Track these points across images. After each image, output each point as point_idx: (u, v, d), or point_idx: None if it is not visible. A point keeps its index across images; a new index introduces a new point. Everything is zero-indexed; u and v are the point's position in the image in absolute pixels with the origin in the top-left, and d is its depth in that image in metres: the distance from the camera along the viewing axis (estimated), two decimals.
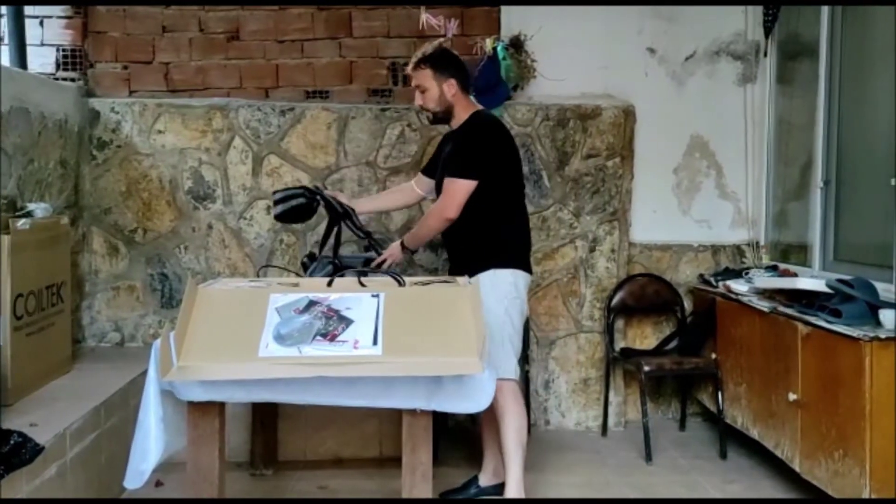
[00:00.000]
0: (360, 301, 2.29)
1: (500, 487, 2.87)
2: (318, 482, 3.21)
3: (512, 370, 2.81)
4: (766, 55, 4.02)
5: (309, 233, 3.86)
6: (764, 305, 3.22)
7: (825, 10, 3.43)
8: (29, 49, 3.68)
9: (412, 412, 2.19)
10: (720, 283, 3.71)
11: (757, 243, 4.05)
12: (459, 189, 2.80)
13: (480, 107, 3.04)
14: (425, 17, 3.70)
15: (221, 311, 2.27)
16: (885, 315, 2.62)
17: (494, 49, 3.74)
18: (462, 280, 2.53)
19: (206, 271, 3.83)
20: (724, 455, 3.53)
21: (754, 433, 3.32)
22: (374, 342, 2.16)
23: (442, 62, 2.90)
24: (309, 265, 3.05)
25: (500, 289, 2.81)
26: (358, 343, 2.16)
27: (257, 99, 3.91)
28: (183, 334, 2.17)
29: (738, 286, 3.53)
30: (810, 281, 3.06)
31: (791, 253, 3.86)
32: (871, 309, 2.69)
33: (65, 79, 3.81)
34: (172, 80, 3.93)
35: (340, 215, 3.01)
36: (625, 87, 4.00)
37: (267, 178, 3.86)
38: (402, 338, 2.18)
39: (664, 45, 4.04)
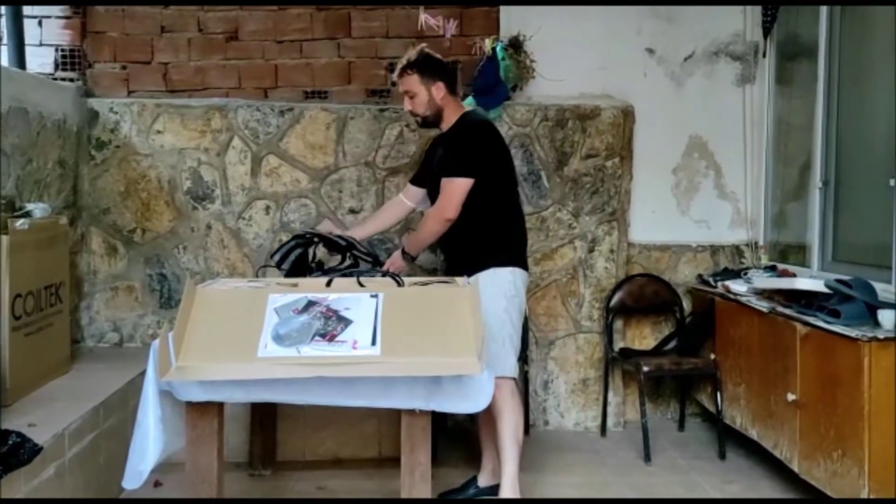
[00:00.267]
0: (358, 301, 2.29)
1: (500, 488, 2.87)
2: (316, 482, 3.21)
3: (511, 368, 2.82)
4: (764, 56, 4.03)
5: None
6: (763, 306, 3.22)
7: (824, 10, 3.44)
8: (28, 49, 3.67)
9: (411, 412, 2.19)
10: (719, 284, 3.71)
11: (756, 243, 4.05)
12: (457, 188, 2.81)
13: (469, 108, 3.05)
14: (424, 17, 3.70)
15: (220, 312, 2.27)
16: (884, 315, 2.62)
17: (493, 49, 3.74)
18: (461, 280, 2.53)
19: (205, 271, 3.83)
20: (722, 455, 3.53)
21: (753, 433, 3.32)
22: (373, 342, 2.16)
23: (427, 66, 2.91)
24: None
25: (500, 287, 2.81)
26: (357, 343, 2.16)
27: (256, 99, 3.91)
28: (182, 334, 2.17)
29: (737, 286, 3.53)
30: (809, 281, 3.06)
31: (790, 253, 3.86)
32: (870, 309, 2.69)
33: (63, 79, 3.80)
34: (171, 81, 3.93)
35: (345, 248, 2.92)
36: (624, 87, 4.00)
37: (266, 178, 3.86)
38: (400, 338, 2.18)
39: (663, 46, 4.04)
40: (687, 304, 4.02)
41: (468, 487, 3.06)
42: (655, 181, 4.06)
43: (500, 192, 2.90)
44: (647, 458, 3.47)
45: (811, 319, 2.83)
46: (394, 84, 3.01)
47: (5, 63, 3.52)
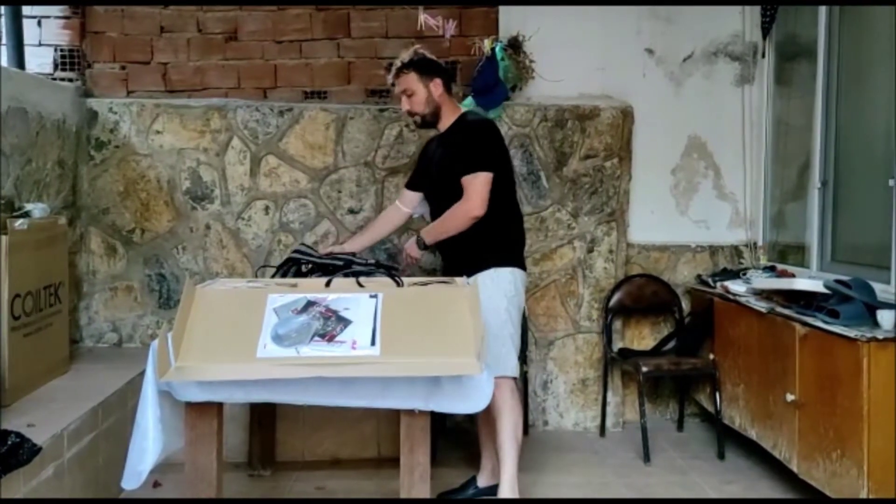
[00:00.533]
0: (358, 301, 2.30)
1: (498, 488, 2.87)
2: (315, 483, 3.21)
3: (512, 368, 2.82)
4: (763, 56, 4.03)
5: (307, 233, 3.86)
6: (762, 306, 3.22)
7: (823, 10, 3.44)
8: (27, 49, 3.67)
9: (410, 412, 2.20)
10: (718, 284, 3.72)
11: (755, 244, 4.05)
12: (481, 184, 2.80)
13: (465, 109, 3.06)
14: (423, 17, 3.70)
15: (219, 312, 2.28)
16: (883, 316, 2.62)
17: (493, 50, 3.74)
18: (460, 280, 2.53)
19: (204, 272, 3.83)
20: (721, 455, 3.53)
21: (752, 434, 3.32)
22: (373, 343, 2.16)
23: (424, 64, 2.92)
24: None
25: (501, 287, 2.82)
26: (356, 343, 2.17)
27: (255, 99, 3.91)
28: (181, 335, 2.17)
29: (736, 287, 3.53)
30: (808, 282, 3.06)
31: (789, 253, 3.87)
32: (869, 309, 2.69)
33: (63, 79, 3.80)
34: (170, 81, 3.93)
35: (344, 266, 2.72)
36: (623, 87, 4.00)
37: (265, 178, 3.86)
38: (400, 338, 2.18)
39: (662, 46, 4.04)
40: (686, 305, 4.03)
41: (467, 487, 3.06)
42: (654, 181, 4.06)
43: (503, 193, 2.90)
44: (646, 458, 3.47)
45: (810, 320, 2.84)
46: (392, 84, 3.00)
47: (4, 63, 3.52)
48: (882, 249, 2.93)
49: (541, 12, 3.89)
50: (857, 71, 3.30)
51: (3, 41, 3.61)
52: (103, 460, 2.74)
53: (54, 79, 3.78)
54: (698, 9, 4.01)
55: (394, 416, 2.28)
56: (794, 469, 2.95)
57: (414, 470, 2.21)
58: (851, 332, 2.59)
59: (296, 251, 2.93)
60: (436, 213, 3.02)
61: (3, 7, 3.59)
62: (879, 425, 2.53)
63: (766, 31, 3.97)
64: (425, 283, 2.52)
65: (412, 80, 2.91)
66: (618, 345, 3.98)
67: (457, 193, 2.84)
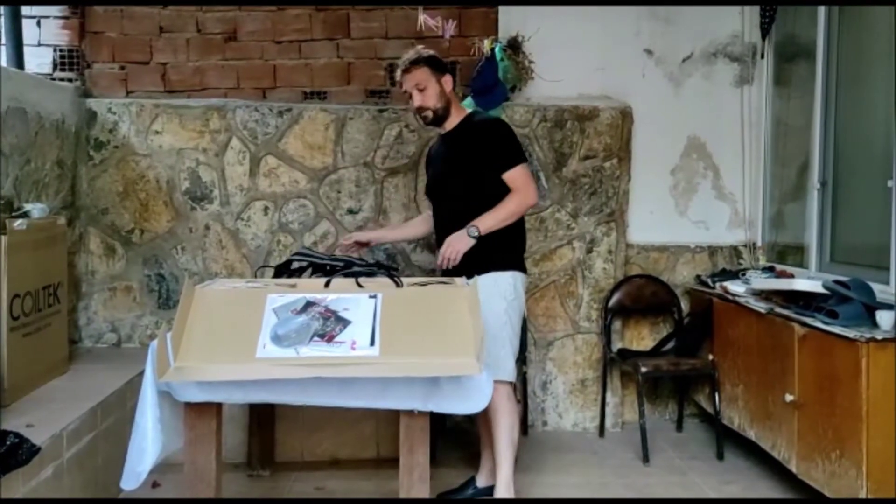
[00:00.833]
0: (357, 302, 2.29)
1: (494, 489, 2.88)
2: (315, 483, 3.21)
3: (509, 372, 2.82)
4: (762, 57, 4.03)
5: (307, 233, 3.86)
6: (761, 306, 3.22)
7: (822, 11, 3.44)
8: (26, 49, 3.67)
9: (409, 413, 2.20)
10: (717, 284, 3.72)
11: (754, 244, 4.05)
12: (525, 175, 2.85)
13: (469, 110, 3.06)
14: (423, 17, 3.70)
15: (218, 312, 2.27)
16: (882, 316, 2.63)
17: (492, 50, 3.74)
18: (460, 281, 2.53)
19: (203, 272, 3.83)
20: (720, 456, 3.53)
21: (751, 434, 3.32)
22: (372, 343, 2.16)
23: (435, 60, 2.92)
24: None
25: (501, 289, 2.81)
26: (355, 344, 2.16)
27: (255, 99, 3.91)
28: (180, 335, 2.17)
29: (735, 287, 3.53)
30: (807, 282, 3.07)
31: (788, 254, 3.87)
32: (868, 310, 2.70)
33: (62, 79, 3.80)
34: (170, 81, 3.93)
35: (346, 266, 2.69)
36: (622, 88, 4.00)
37: (264, 178, 3.86)
38: (399, 339, 2.18)
39: (661, 47, 4.04)
40: (685, 305, 4.03)
41: (467, 488, 3.06)
42: (654, 182, 4.06)
43: (504, 193, 2.89)
44: (646, 458, 3.47)
45: (809, 320, 2.84)
46: (393, 84, 2.99)
47: (4, 63, 3.52)
48: (881, 250, 2.93)
49: (540, 13, 3.89)
50: (856, 71, 3.30)
51: (3, 41, 3.61)
52: (102, 460, 2.74)
53: (53, 79, 3.78)
54: (697, 9, 4.01)
55: (393, 416, 2.28)
56: (794, 469, 2.95)
57: (413, 470, 2.20)
58: (850, 333, 2.59)
59: (298, 253, 2.93)
60: (438, 211, 3.02)
61: (2, 7, 3.58)
62: (878, 426, 2.54)
63: (765, 32, 3.97)
64: (424, 284, 2.52)
65: (425, 74, 2.88)
66: (617, 345, 3.98)
67: (463, 192, 2.85)
